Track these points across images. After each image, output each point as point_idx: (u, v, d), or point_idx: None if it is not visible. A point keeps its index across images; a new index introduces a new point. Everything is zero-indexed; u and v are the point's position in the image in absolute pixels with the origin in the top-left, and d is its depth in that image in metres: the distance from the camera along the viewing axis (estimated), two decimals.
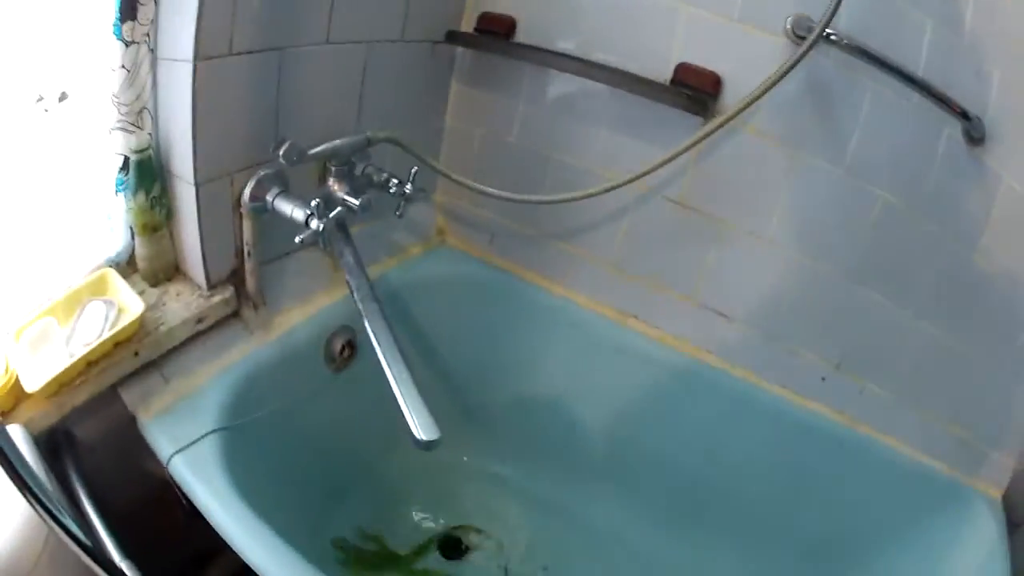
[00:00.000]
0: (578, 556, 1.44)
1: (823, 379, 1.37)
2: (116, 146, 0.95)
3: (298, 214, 1.01)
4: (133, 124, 0.93)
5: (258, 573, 0.85)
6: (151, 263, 1.07)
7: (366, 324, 0.96)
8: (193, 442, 0.98)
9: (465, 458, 1.54)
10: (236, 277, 1.12)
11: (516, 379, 1.49)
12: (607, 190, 1.18)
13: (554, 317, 1.40)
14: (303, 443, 1.27)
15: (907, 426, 1.30)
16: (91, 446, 0.98)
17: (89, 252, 1.03)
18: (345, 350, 1.32)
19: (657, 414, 1.39)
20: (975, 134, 1.08)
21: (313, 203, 0.99)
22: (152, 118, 0.96)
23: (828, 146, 1.19)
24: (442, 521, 1.46)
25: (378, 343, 0.94)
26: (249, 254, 1.12)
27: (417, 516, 1.46)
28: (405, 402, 0.88)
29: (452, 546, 1.44)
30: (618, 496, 1.47)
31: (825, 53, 1.11)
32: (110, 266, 1.03)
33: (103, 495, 0.91)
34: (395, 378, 0.90)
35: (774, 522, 1.39)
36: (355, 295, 1.03)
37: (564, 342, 1.41)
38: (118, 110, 0.92)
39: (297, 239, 0.99)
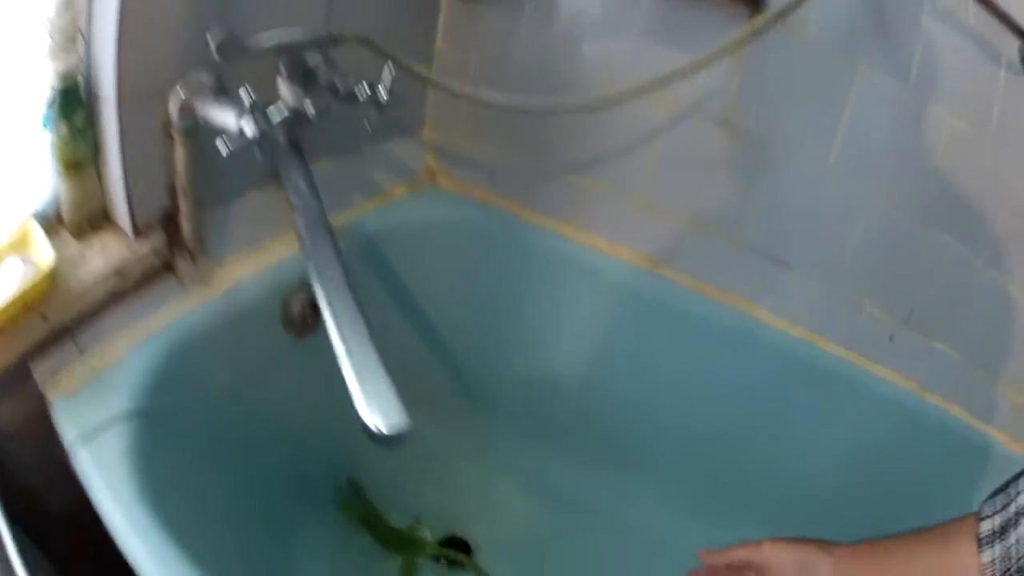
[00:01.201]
0: (603, 560, 1.20)
1: (891, 338, 1.18)
2: (46, 77, 0.78)
3: (229, 120, 0.76)
4: (64, 50, 0.77)
5: None
6: (76, 210, 0.87)
7: (309, 262, 0.72)
8: (99, 431, 0.74)
9: (465, 445, 1.29)
10: (170, 222, 0.93)
11: (523, 346, 1.24)
12: (639, 92, 0.94)
13: (569, 266, 1.16)
14: (256, 431, 1.04)
15: (978, 395, 1.16)
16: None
17: (18, 203, 0.85)
18: (307, 312, 1.07)
19: (698, 384, 1.16)
20: None
21: (248, 102, 0.75)
22: (85, 41, 0.78)
23: (891, 58, 1.02)
24: (439, 527, 1.23)
25: (321, 286, 0.70)
26: (184, 191, 0.90)
27: (408, 519, 1.23)
28: (356, 374, 0.64)
29: (455, 547, 1.22)
30: (653, 490, 1.24)
31: None
32: (36, 219, 0.85)
33: (17, 504, 0.72)
34: (343, 339, 0.66)
35: (834, 505, 1.17)
36: (299, 223, 0.78)
37: (581, 297, 1.17)
38: (51, 36, 0.75)
39: (224, 149, 0.75)
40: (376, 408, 0.64)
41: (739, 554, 0.66)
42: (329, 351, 1.11)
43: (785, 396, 1.12)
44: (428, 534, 1.21)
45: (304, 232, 0.79)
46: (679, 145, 1.11)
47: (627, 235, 1.16)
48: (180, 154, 0.87)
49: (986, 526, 0.55)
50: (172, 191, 0.90)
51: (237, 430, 0.98)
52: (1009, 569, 0.52)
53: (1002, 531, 0.53)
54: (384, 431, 0.63)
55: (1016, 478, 0.57)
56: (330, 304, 0.71)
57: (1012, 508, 0.54)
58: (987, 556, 0.53)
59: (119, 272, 0.86)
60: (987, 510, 0.56)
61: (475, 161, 1.23)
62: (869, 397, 1.15)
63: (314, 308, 1.07)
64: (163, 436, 0.80)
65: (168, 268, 0.93)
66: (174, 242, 0.92)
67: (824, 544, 0.63)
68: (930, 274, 1.14)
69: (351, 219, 1.12)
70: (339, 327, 0.69)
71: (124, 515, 0.67)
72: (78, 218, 0.87)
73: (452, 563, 1.20)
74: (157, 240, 0.90)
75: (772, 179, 1.10)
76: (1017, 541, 0.53)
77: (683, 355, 1.15)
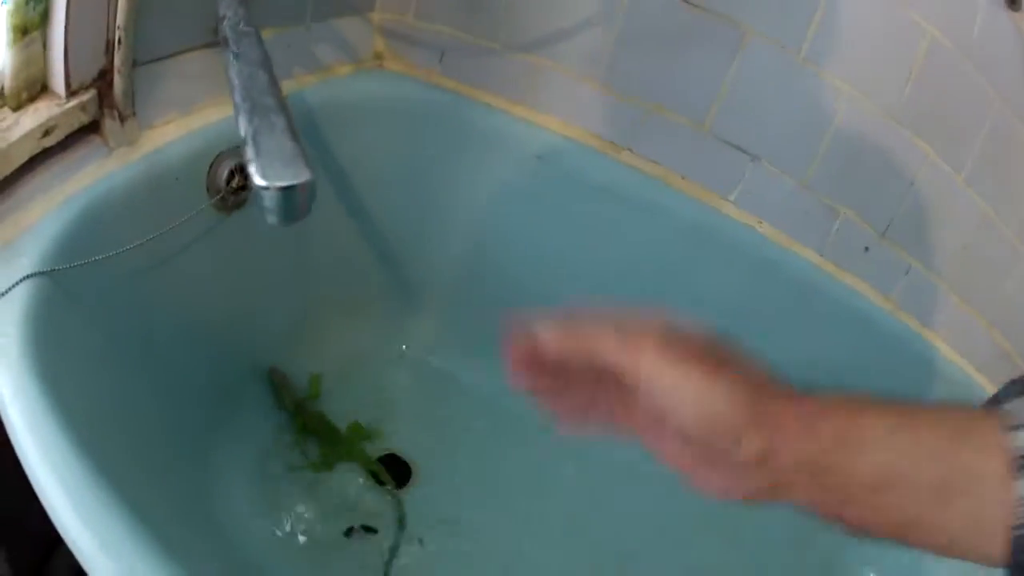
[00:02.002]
0: (558, 487, 1.10)
1: (866, 249, 1.12)
2: None
3: None
4: None
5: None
6: (17, 78, 0.79)
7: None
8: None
9: (404, 347, 1.19)
10: (102, 80, 0.84)
11: (469, 236, 1.15)
12: None
13: (519, 147, 1.06)
14: (173, 321, 0.94)
15: (952, 322, 1.12)
16: None
17: None
18: (235, 178, 0.97)
19: (655, 280, 1.06)
20: None
21: None
22: None
23: None
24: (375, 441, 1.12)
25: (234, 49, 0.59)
26: (120, 42, 0.81)
27: (343, 430, 1.11)
28: (251, 123, 0.54)
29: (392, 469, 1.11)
30: None
31: None
32: None
33: None
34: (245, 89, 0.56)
35: None
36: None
37: (533, 181, 1.07)
38: None
39: None
40: (272, 161, 0.53)
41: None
42: (256, 232, 1.02)
43: (748, 298, 1.03)
44: (366, 446, 1.10)
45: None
46: (642, 23, 1.02)
47: (582, 117, 1.07)
48: (122, 2, 0.79)
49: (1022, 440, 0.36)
50: (109, 48, 0.81)
51: (151, 317, 0.89)
52: None
53: None
54: (273, 181, 0.52)
55: None
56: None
57: None
58: (1022, 487, 0.36)
59: (46, 130, 0.77)
60: (1018, 415, 0.37)
61: (425, 42, 1.13)
62: (839, 308, 1.07)
63: (241, 174, 0.97)
64: (66, 308, 0.70)
65: (95, 128, 0.84)
66: (104, 101, 0.84)
67: (742, 376, 0.40)
68: (908, 183, 1.08)
69: (289, 91, 1.03)
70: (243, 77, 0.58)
71: (12, 387, 0.57)
72: (18, 86, 0.78)
73: (380, 483, 1.08)
74: (87, 98, 0.82)
75: (741, 63, 1.02)
76: None
77: (639, 248, 1.06)
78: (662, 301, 1.06)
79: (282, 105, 0.65)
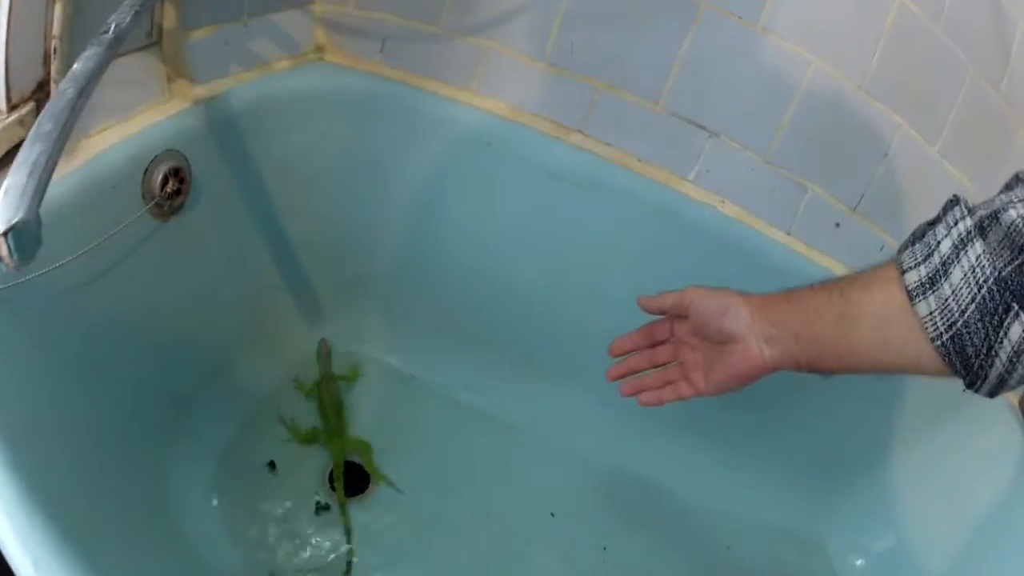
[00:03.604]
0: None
1: (837, 225, 1.08)
2: None
3: None
4: None
5: None
6: None
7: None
8: None
9: (355, 347, 1.14)
10: (41, 92, 0.82)
11: (414, 233, 1.10)
12: None
13: (465, 135, 1.01)
14: (118, 334, 0.89)
15: None
16: None
17: None
18: (170, 182, 0.93)
19: (613, 269, 1.02)
20: None
21: None
22: None
23: None
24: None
25: None
26: (55, 52, 0.78)
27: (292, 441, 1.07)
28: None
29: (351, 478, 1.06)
30: (561, 392, 1.10)
31: None
32: None
33: None
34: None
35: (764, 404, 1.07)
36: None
37: (480, 170, 1.02)
38: None
39: None
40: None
41: (670, 298, 0.68)
42: (198, 236, 0.98)
43: (713, 280, 0.96)
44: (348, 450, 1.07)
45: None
46: None
47: (532, 100, 1.02)
48: (59, 10, 0.76)
49: (912, 277, 0.51)
50: (47, 58, 0.79)
51: (94, 330, 0.85)
52: (955, 323, 0.48)
53: (931, 282, 0.49)
54: None
55: (930, 227, 0.53)
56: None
57: (936, 259, 0.50)
58: (923, 308, 0.49)
59: None
60: (907, 260, 0.52)
61: (367, 31, 1.08)
62: None
63: (176, 178, 0.93)
64: (2, 328, 0.67)
65: None
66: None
67: (740, 292, 0.64)
68: (881, 157, 1.04)
69: (225, 88, 0.98)
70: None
71: None
72: None
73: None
74: (26, 111, 0.79)
75: (696, 34, 0.97)
76: (953, 293, 0.48)
77: (595, 235, 1.01)
78: (624, 285, 1.03)
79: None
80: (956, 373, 0.49)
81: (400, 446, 1.07)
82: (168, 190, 0.92)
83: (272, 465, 1.02)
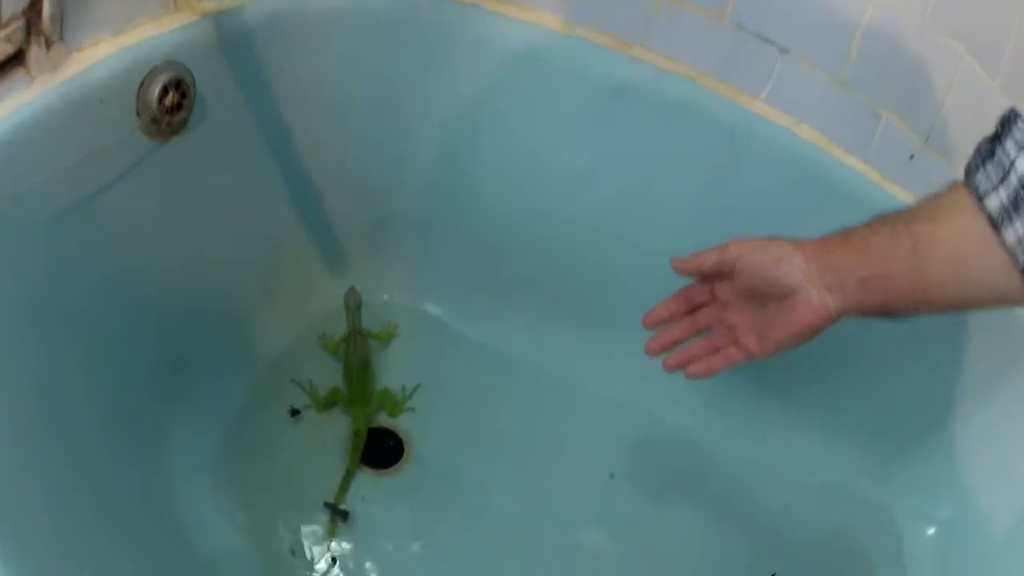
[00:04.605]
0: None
1: (911, 157, 1.00)
2: None
3: None
4: None
5: None
6: None
7: None
8: None
9: (386, 297, 1.02)
10: (33, 10, 0.74)
11: (450, 167, 0.99)
12: None
13: (510, 52, 0.90)
14: (108, 267, 0.78)
15: None
16: None
17: None
18: (170, 94, 0.81)
19: (687, 189, 0.92)
20: None
21: None
22: None
23: None
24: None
25: None
26: None
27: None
28: None
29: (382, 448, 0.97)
30: (620, 344, 0.99)
31: None
32: None
33: None
34: None
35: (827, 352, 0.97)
36: None
37: (527, 90, 0.91)
38: None
39: None
40: None
41: (710, 257, 0.62)
42: (201, 163, 0.86)
43: (788, 208, 0.89)
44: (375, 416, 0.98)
45: None
46: None
47: (584, 12, 0.91)
48: None
49: (992, 203, 0.47)
50: None
51: (78, 274, 0.74)
52: None
53: (1014, 206, 0.45)
54: None
55: (994, 143, 0.48)
56: None
57: (1014, 179, 0.45)
58: (1010, 236, 0.46)
59: None
60: (983, 183, 0.47)
61: None
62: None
63: (178, 91, 0.81)
64: None
65: (19, 59, 0.73)
66: (32, 28, 0.73)
67: (790, 240, 0.60)
68: (946, 90, 0.97)
69: (236, 4, 0.87)
70: None
71: None
72: None
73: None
74: (14, 28, 0.71)
75: None
76: None
77: (657, 160, 0.91)
78: (689, 217, 0.93)
79: None
80: None
81: (434, 406, 0.98)
82: (167, 103, 0.80)
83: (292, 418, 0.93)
